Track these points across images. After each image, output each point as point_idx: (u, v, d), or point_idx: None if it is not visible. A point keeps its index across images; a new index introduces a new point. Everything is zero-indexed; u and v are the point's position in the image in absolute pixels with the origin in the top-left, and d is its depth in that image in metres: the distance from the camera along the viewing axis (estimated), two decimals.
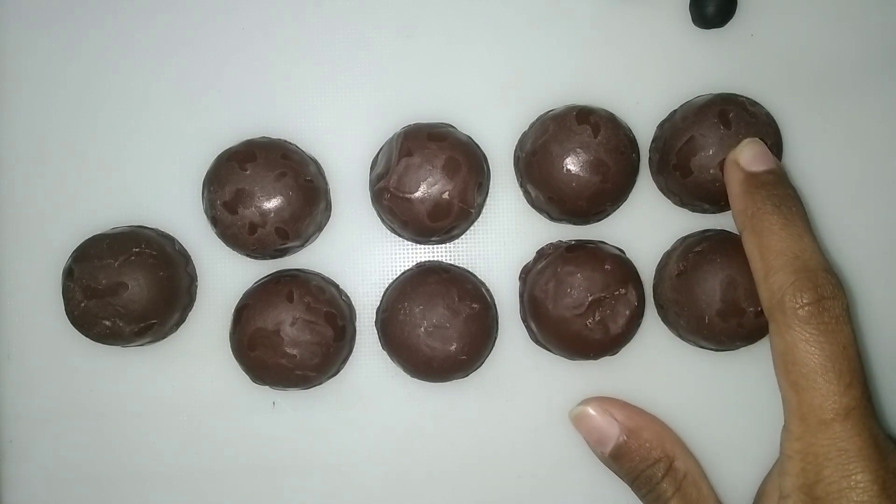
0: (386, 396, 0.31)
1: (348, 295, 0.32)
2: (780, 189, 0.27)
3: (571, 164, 0.29)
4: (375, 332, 0.31)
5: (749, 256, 0.27)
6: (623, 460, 0.29)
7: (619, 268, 0.29)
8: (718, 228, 0.31)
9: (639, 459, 0.29)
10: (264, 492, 0.31)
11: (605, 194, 0.29)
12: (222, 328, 0.31)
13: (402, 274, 0.31)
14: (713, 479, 0.30)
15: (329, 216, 0.32)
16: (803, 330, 0.25)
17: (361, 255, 0.32)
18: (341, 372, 0.31)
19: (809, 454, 0.25)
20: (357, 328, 0.31)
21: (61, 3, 0.32)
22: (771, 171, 0.27)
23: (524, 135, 0.31)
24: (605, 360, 0.30)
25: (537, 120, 0.31)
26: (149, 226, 0.32)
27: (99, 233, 0.31)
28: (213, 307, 0.32)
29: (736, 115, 0.29)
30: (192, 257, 0.32)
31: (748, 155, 0.28)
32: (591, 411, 0.30)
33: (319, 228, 0.31)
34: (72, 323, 0.30)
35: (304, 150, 0.31)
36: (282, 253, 0.31)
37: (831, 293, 0.25)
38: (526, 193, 0.31)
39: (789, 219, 0.27)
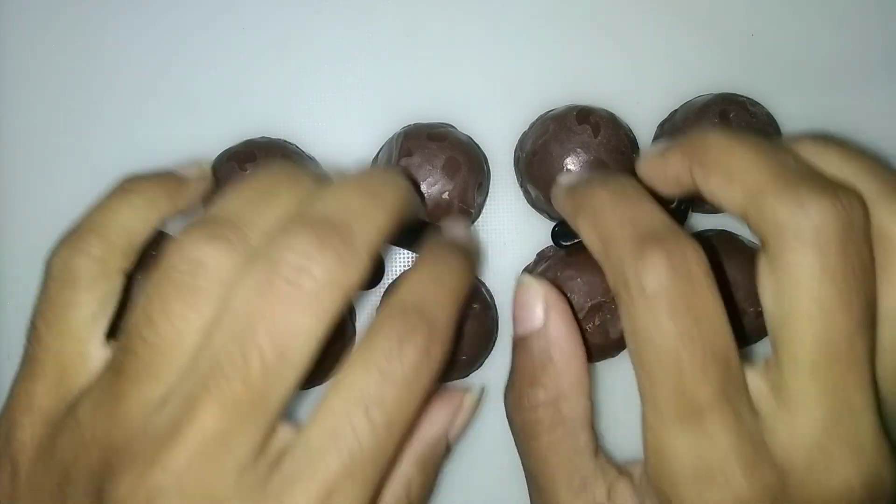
0: None
1: None
2: (603, 176, 0.25)
3: (572, 164, 0.29)
4: None
5: (589, 246, 0.23)
6: (519, 356, 0.26)
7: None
8: (719, 228, 0.31)
9: (529, 369, 0.25)
10: None
11: None
12: None
13: (402, 273, 0.31)
14: None
15: None
16: (651, 305, 0.21)
17: None
18: None
19: (663, 454, 0.21)
20: (357, 328, 0.31)
21: (61, 3, 0.32)
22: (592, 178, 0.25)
23: (524, 135, 0.31)
24: (604, 362, 0.30)
25: (537, 120, 0.31)
26: None
27: None
28: None
29: (736, 115, 0.29)
30: None
31: (568, 178, 0.27)
32: (534, 291, 0.26)
33: None
34: None
35: (304, 150, 0.31)
36: None
37: (679, 250, 0.21)
38: (526, 193, 0.31)
39: (618, 191, 0.23)
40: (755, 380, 0.22)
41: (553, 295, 0.25)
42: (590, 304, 0.29)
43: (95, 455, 0.21)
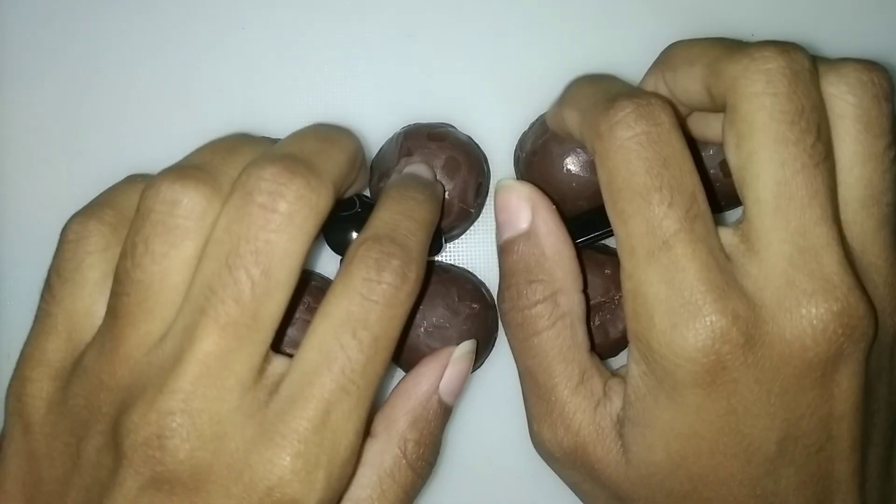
0: (385, 397, 0.31)
1: None
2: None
3: (571, 164, 0.29)
4: None
5: (572, 129, 0.25)
6: (509, 259, 0.26)
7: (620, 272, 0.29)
8: None
9: (523, 268, 0.25)
10: None
11: None
12: None
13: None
14: None
15: None
16: (622, 148, 0.22)
17: None
18: None
19: (639, 295, 0.22)
20: None
21: (59, 3, 0.32)
22: None
23: (524, 135, 0.31)
24: (605, 362, 0.30)
25: (537, 120, 0.31)
26: None
27: None
28: None
29: None
30: None
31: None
32: (518, 192, 0.26)
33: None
34: None
35: None
36: None
37: (646, 101, 0.22)
38: None
39: (594, 76, 0.27)
40: (728, 235, 0.23)
41: (538, 194, 0.26)
42: (590, 305, 0.29)
43: (105, 397, 0.22)
